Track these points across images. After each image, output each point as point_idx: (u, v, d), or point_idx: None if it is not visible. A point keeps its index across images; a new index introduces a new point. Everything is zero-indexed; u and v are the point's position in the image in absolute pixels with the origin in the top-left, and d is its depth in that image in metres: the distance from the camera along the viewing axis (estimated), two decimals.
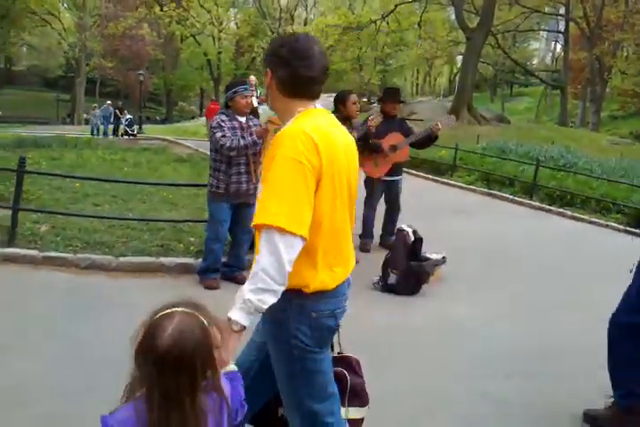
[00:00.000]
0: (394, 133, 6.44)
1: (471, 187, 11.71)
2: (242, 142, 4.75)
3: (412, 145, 6.56)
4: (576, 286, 5.92)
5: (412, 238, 5.42)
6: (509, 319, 4.84)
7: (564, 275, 6.33)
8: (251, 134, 4.84)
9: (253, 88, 13.21)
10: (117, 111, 25.24)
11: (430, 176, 12.73)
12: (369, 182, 6.61)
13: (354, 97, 5.94)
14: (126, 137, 21.99)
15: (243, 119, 4.97)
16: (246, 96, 4.92)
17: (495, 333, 4.52)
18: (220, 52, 43.10)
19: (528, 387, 3.62)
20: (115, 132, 24.99)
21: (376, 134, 6.20)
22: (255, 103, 13.23)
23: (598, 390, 3.35)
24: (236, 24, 45.80)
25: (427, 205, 9.14)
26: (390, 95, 6.68)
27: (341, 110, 5.88)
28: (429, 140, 6.46)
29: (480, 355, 4.06)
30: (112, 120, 25.23)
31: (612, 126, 37.01)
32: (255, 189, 5.04)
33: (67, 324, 3.94)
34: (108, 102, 26.77)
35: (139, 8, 35.86)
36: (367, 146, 6.14)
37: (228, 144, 4.73)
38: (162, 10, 33.77)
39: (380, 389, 3.50)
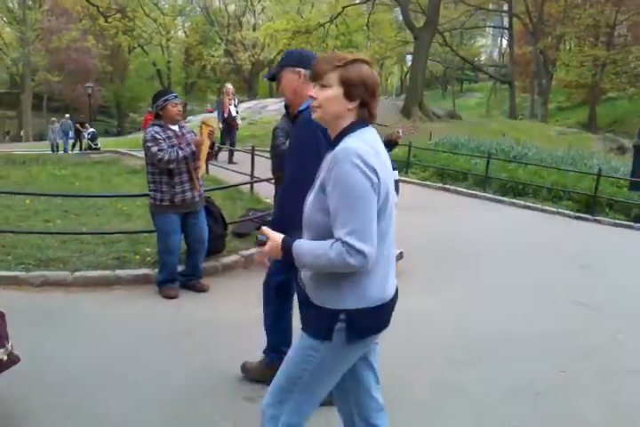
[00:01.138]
0: None
1: (426, 182, 11.88)
2: (180, 154, 4.67)
3: None
4: (532, 274, 6.08)
5: None
6: (468, 310, 4.93)
7: (519, 263, 6.48)
8: (188, 144, 4.78)
9: (231, 96, 13.01)
10: (78, 125, 24.48)
11: None
12: None
13: None
14: (89, 151, 21.07)
15: (175, 128, 4.88)
16: (177, 104, 4.82)
17: (454, 323, 4.60)
18: (169, 62, 42.73)
19: (488, 374, 3.70)
20: (74, 146, 24.01)
21: None
22: (234, 112, 12.96)
23: (557, 373, 3.44)
24: (185, 32, 45.43)
25: None
26: None
27: (292, 114, 5.89)
28: (389, 146, 6.58)
29: (439, 345, 4.13)
30: (71, 135, 24.23)
31: (560, 117, 37.95)
32: (200, 196, 5.01)
33: (23, 343, 3.85)
34: (67, 116, 25.85)
35: (82, 20, 35.30)
36: None
37: (166, 157, 4.64)
38: (107, 21, 33.33)
39: None
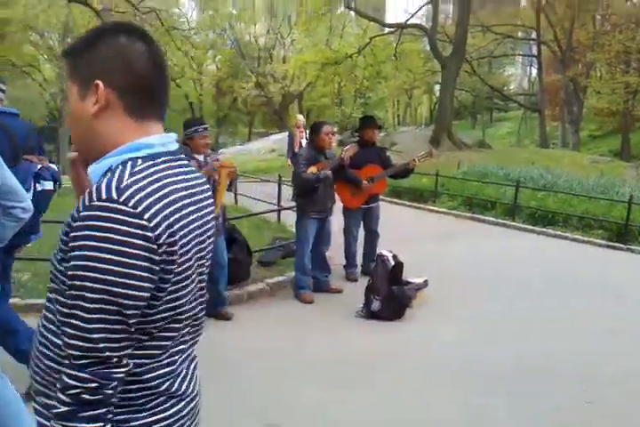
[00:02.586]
0: (372, 165, 6.50)
1: (454, 212, 11.79)
2: None
3: (389, 176, 6.66)
4: (564, 303, 5.95)
5: (392, 263, 5.46)
6: (493, 340, 4.85)
7: (551, 292, 6.36)
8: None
9: (302, 129, 12.55)
10: None
11: (414, 204, 12.80)
12: (347, 211, 6.65)
13: (327, 127, 5.94)
14: None
15: (201, 157, 4.96)
16: (205, 136, 4.89)
17: (479, 353, 4.52)
18: (201, 95, 43.61)
19: (512, 401, 3.62)
20: None
21: (354, 164, 6.20)
22: (304, 143, 12.47)
23: (583, 404, 3.35)
24: (216, 65, 46.42)
25: (411, 232, 9.20)
26: (366, 122, 6.73)
27: (315, 141, 5.93)
28: (406, 172, 6.60)
29: (464, 375, 4.06)
30: None
31: (593, 145, 37.51)
32: (220, 224, 5.06)
33: None
34: None
35: None
36: (342, 177, 6.20)
37: None
38: None
39: (368, 413, 3.49)
